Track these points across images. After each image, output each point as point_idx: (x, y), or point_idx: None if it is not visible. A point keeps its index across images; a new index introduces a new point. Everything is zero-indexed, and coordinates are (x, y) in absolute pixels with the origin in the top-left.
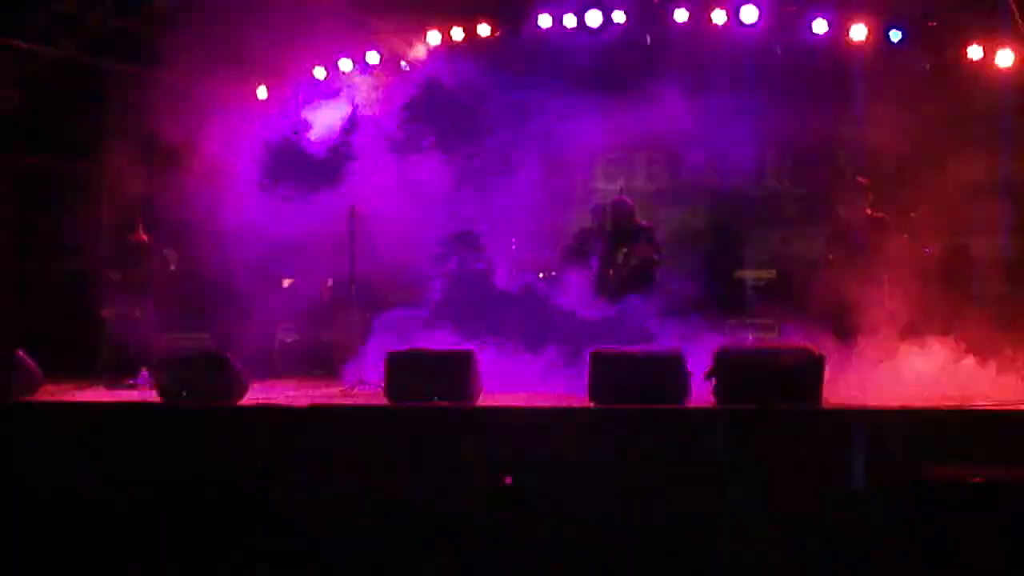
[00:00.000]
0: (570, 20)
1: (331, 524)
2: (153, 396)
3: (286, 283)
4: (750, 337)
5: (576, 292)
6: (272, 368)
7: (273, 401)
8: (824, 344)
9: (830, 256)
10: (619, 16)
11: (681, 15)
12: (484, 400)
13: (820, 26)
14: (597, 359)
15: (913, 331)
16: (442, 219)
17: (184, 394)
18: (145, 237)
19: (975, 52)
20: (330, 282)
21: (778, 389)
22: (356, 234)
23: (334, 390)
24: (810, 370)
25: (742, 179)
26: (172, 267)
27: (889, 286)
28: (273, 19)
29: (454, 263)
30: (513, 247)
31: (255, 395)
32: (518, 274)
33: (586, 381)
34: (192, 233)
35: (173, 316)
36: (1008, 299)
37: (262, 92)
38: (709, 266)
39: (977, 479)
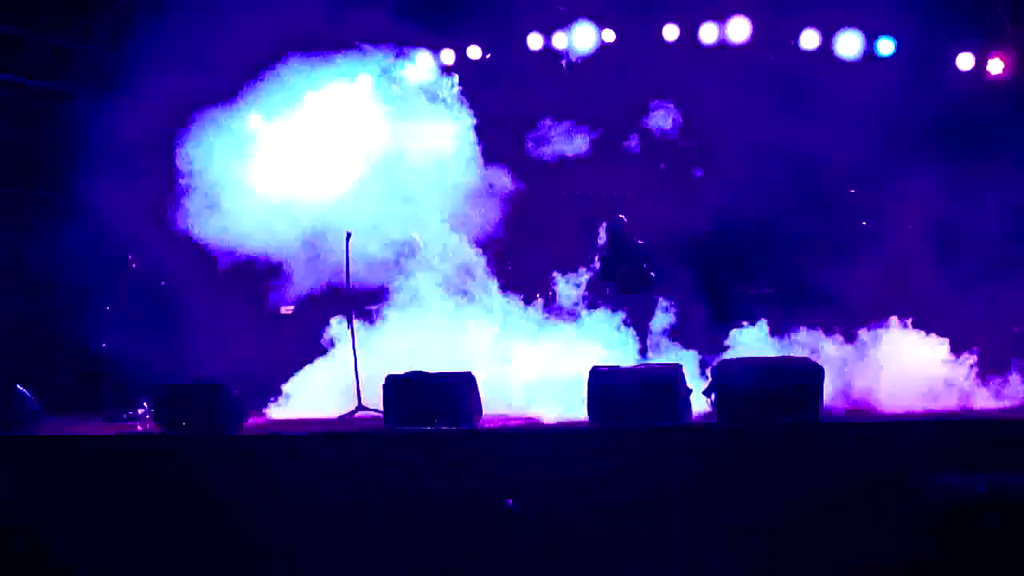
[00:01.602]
0: (560, 41)
1: (333, 550)
2: (153, 428)
3: (284, 310)
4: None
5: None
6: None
7: (273, 429)
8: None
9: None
10: (609, 35)
11: (672, 32)
12: (484, 422)
13: (811, 40)
14: (596, 375)
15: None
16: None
17: (184, 424)
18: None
19: (966, 62)
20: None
21: (778, 403)
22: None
23: (334, 417)
24: (809, 384)
25: (739, 194)
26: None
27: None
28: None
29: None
30: (509, 267)
31: (254, 424)
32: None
33: (586, 397)
34: (184, 263)
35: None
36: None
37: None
38: (707, 281)
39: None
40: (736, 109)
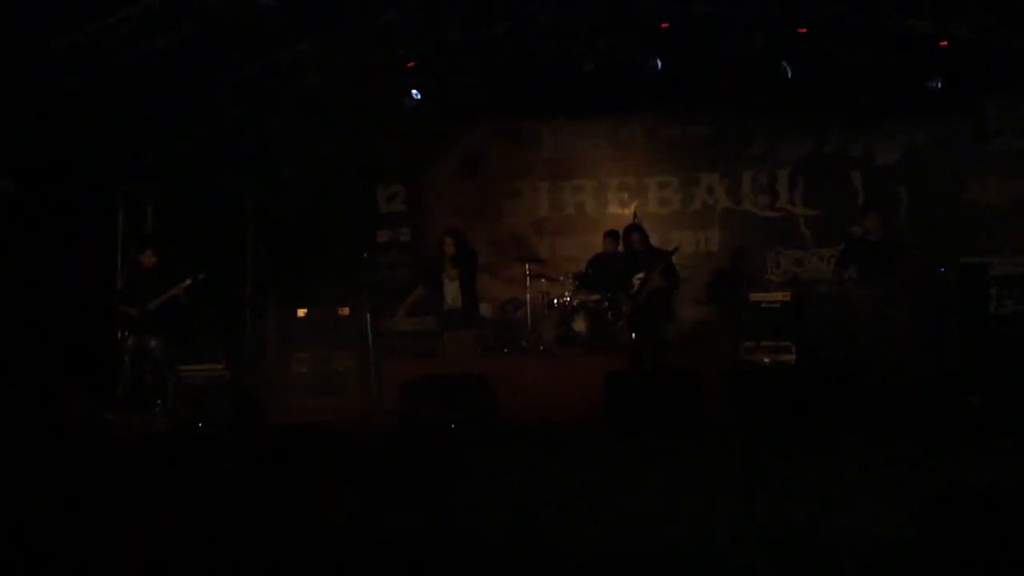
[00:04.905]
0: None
1: (347, 549)
2: (170, 426)
3: (300, 313)
4: (765, 359)
5: (591, 316)
6: (286, 395)
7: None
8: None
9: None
10: (627, 41)
11: (690, 40)
12: (500, 422)
13: (831, 48)
14: (612, 380)
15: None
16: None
17: (200, 424)
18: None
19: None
20: (346, 311)
21: (791, 407)
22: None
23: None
24: (821, 389)
25: (756, 201)
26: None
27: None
28: None
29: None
30: (527, 272)
31: (269, 422)
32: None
33: (602, 402)
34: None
35: (188, 346)
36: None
37: None
38: (723, 288)
39: None
40: None
